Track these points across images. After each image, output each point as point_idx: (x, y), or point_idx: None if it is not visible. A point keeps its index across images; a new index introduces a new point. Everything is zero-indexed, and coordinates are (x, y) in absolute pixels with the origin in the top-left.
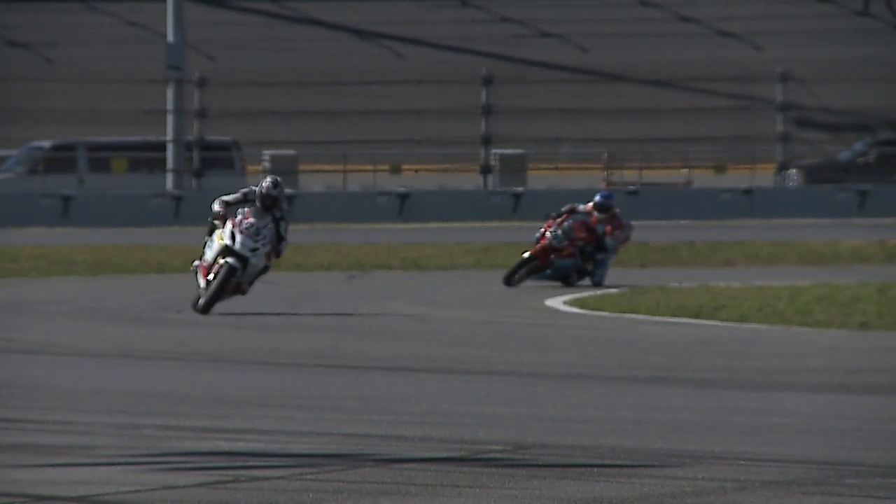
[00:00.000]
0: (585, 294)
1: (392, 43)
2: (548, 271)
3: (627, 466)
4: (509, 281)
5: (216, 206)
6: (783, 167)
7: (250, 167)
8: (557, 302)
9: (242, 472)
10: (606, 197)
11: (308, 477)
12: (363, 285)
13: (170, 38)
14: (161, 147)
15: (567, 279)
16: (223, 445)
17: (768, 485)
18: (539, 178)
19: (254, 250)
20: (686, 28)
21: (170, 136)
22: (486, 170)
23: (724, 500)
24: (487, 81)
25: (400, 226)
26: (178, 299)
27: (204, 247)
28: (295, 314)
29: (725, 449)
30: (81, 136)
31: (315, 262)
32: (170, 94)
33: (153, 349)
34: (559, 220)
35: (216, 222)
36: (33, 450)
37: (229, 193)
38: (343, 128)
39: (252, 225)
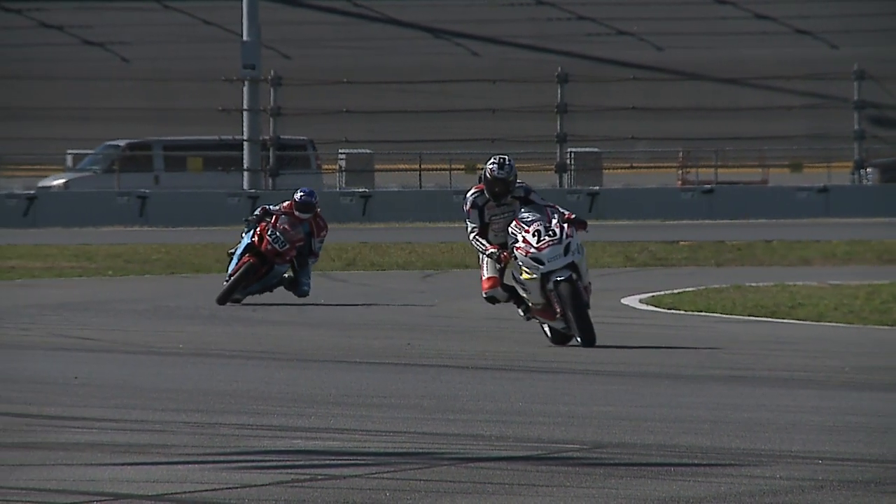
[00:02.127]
0: (661, 293)
1: (467, 41)
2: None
3: (704, 465)
4: (225, 300)
5: (479, 244)
6: (859, 165)
7: (326, 166)
8: (633, 300)
9: (319, 470)
10: (309, 194)
11: (385, 476)
12: (439, 284)
13: (245, 36)
14: (236, 146)
15: (261, 291)
16: (300, 444)
17: (846, 484)
18: (614, 177)
19: (567, 251)
20: (762, 26)
21: (245, 135)
22: (561, 168)
23: (802, 499)
24: (563, 80)
25: None
26: (254, 298)
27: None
28: (371, 313)
29: (803, 448)
30: (157, 135)
31: (391, 260)
32: (245, 92)
33: (229, 348)
34: (272, 221)
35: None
36: (111, 448)
37: (473, 211)
38: (418, 127)
39: (530, 222)
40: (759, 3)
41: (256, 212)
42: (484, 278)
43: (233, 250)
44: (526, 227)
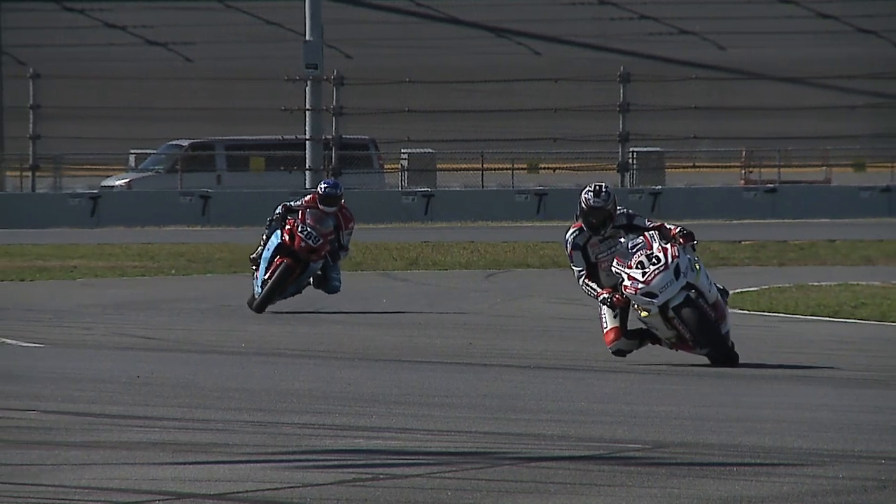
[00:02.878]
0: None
1: (529, 41)
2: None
3: (766, 465)
4: (264, 308)
5: (589, 290)
6: None
7: (388, 165)
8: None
9: (381, 470)
10: (333, 186)
11: (446, 475)
12: (502, 283)
13: (307, 36)
14: (298, 146)
15: (296, 292)
16: (361, 443)
17: None
18: (677, 177)
19: (678, 274)
20: (824, 25)
21: (307, 134)
22: (623, 168)
23: (866, 499)
24: (625, 79)
25: (538, 224)
26: (317, 297)
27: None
28: (433, 312)
29: (866, 448)
30: (219, 134)
31: (453, 260)
32: (307, 92)
33: (291, 347)
34: (300, 217)
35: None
36: (173, 447)
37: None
38: (480, 126)
39: (630, 255)
40: (821, 1)
41: (277, 210)
42: (605, 331)
43: (254, 255)
44: (627, 263)
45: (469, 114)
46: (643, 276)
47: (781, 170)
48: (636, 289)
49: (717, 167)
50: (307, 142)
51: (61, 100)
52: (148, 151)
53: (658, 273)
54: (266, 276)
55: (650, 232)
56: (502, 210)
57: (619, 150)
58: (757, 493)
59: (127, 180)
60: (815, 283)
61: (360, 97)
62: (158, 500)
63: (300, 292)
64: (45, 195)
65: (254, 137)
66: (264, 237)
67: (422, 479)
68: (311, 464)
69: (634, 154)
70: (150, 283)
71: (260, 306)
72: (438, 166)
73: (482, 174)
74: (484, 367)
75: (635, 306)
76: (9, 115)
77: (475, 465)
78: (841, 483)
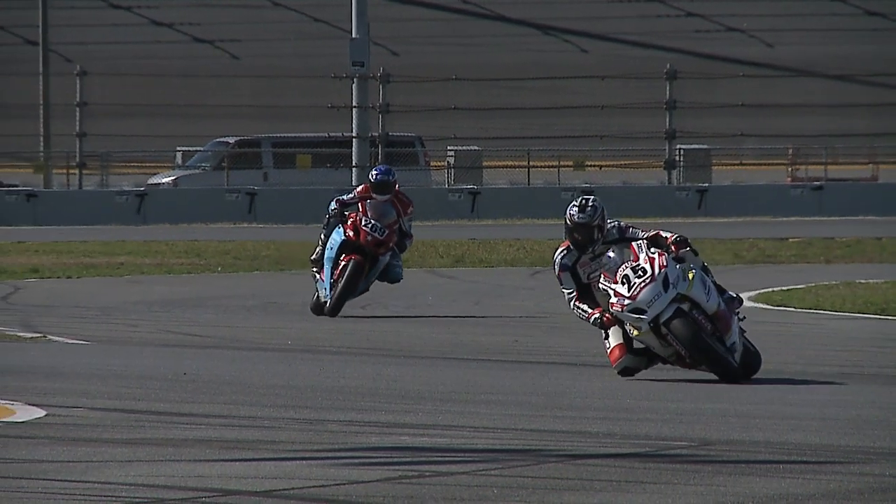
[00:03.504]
0: (770, 290)
1: (576, 38)
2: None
3: (813, 463)
4: (337, 310)
5: (579, 312)
6: None
7: (434, 163)
8: (742, 297)
9: (427, 467)
10: (385, 172)
11: (492, 472)
12: (547, 280)
13: (354, 33)
14: (345, 143)
15: (366, 290)
16: (407, 440)
17: None
18: (723, 174)
19: (666, 285)
20: (871, 22)
21: (354, 131)
22: (670, 165)
23: None
24: (672, 76)
25: None
26: (364, 295)
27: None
28: (479, 309)
29: None
30: (266, 131)
31: (499, 257)
32: (354, 89)
33: (337, 344)
34: (361, 210)
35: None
36: (219, 444)
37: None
38: (527, 123)
39: (615, 269)
40: None
41: (332, 206)
42: (608, 350)
43: (315, 256)
44: (613, 279)
45: (515, 111)
46: (629, 291)
47: (828, 167)
48: (622, 305)
49: (764, 164)
50: (354, 139)
51: (108, 97)
52: (194, 149)
53: (644, 286)
54: (335, 277)
55: (638, 242)
56: (548, 207)
57: (666, 147)
58: (803, 490)
59: (173, 178)
60: (862, 281)
61: (406, 94)
62: (204, 497)
63: (368, 290)
64: (92, 192)
65: (300, 135)
66: (322, 237)
67: (467, 477)
68: (357, 461)
69: (681, 151)
70: (196, 280)
71: (333, 309)
72: (485, 164)
73: (528, 171)
74: (530, 364)
75: (627, 325)
76: (55, 113)
77: (521, 462)
78: (888, 481)
